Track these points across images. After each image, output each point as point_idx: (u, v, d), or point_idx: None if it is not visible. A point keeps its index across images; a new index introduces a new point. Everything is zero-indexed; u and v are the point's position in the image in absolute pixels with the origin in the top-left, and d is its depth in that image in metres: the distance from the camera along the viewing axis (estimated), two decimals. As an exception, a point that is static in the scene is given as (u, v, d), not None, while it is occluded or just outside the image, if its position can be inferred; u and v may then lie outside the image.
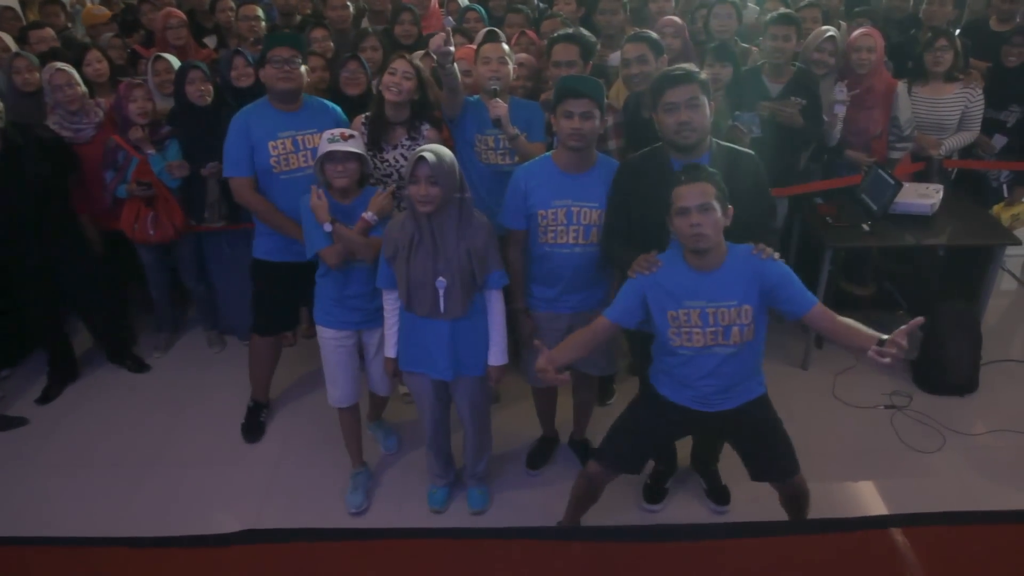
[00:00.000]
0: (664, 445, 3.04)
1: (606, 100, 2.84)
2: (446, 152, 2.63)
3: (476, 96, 3.25)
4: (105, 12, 5.41)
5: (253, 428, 3.72)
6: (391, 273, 2.76)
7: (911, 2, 4.74)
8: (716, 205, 2.33)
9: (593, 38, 3.42)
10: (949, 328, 3.81)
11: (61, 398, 4.01)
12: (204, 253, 4.16)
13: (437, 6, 4.71)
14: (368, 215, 2.85)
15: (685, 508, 3.23)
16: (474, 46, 3.54)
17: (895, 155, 4.18)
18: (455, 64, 3.01)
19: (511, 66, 3.23)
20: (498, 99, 3.06)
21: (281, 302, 3.57)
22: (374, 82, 3.64)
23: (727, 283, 2.40)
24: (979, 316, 3.90)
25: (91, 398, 4.01)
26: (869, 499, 3.23)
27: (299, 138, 3.24)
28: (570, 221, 2.78)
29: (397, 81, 3.18)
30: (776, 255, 2.43)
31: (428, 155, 2.54)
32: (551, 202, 2.78)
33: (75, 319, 4.41)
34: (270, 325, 3.62)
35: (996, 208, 4.57)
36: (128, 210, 3.83)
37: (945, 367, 3.80)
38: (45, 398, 3.99)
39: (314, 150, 3.11)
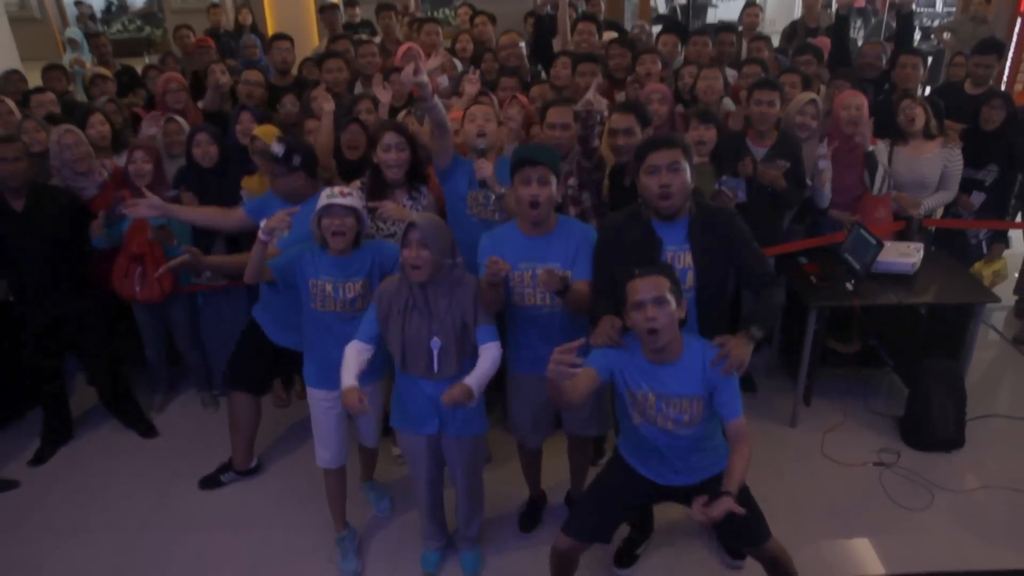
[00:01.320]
0: (633, 512, 3.06)
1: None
2: (438, 220, 2.74)
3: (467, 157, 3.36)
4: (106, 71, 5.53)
5: (211, 481, 3.76)
6: (375, 332, 2.78)
7: (883, 61, 4.91)
8: (671, 298, 2.41)
9: None
10: (933, 385, 3.87)
11: (54, 460, 4.01)
12: (200, 314, 4.21)
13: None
14: (262, 228, 2.90)
15: (665, 572, 3.23)
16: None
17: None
18: (435, 97, 3.12)
19: (495, 124, 3.35)
20: (484, 159, 3.16)
21: (261, 361, 3.58)
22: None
23: (682, 378, 2.49)
24: (963, 372, 3.95)
25: (84, 460, 4.01)
26: (860, 557, 3.26)
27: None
28: (536, 284, 2.83)
29: (394, 157, 3.30)
30: (739, 363, 2.46)
31: (419, 220, 2.65)
32: (517, 265, 2.84)
33: (71, 378, 4.43)
34: (241, 378, 3.60)
35: (977, 265, 4.68)
36: (118, 267, 3.89)
37: (931, 424, 3.84)
38: (38, 459, 3.98)
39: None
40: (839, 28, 5.04)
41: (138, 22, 15.78)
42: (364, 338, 2.80)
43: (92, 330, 3.95)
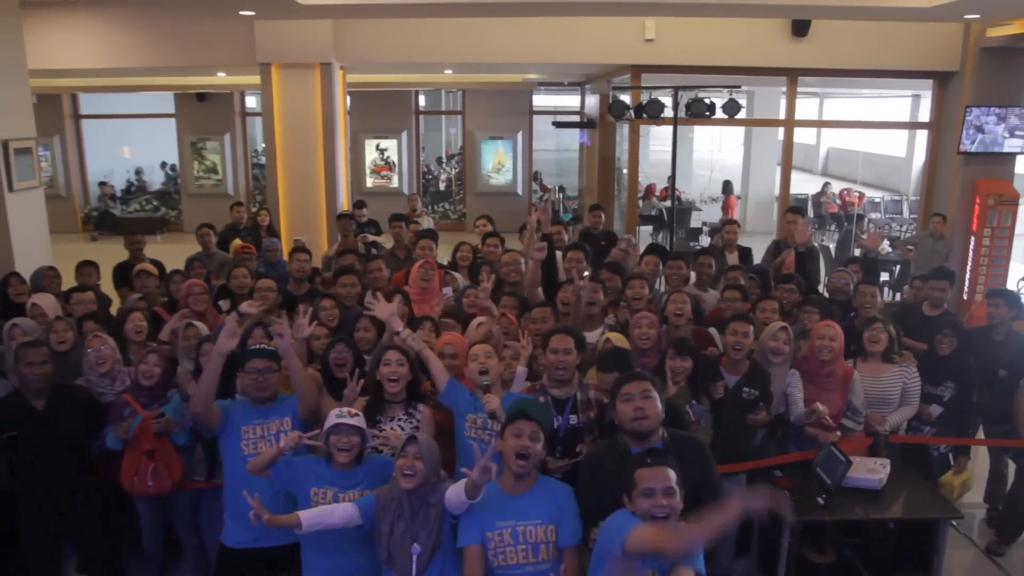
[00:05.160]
0: None
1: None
2: (434, 442, 3.11)
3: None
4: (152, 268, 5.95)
5: None
6: (369, 515, 3.05)
7: (851, 288, 5.41)
8: (677, 490, 2.64)
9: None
10: (907, 601, 4.04)
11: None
12: (200, 507, 4.34)
13: (439, 287, 5.23)
14: (283, 443, 3.24)
15: None
16: (464, 337, 4.04)
17: (848, 424, 4.61)
18: (408, 340, 3.70)
19: (496, 360, 3.70)
20: (491, 394, 3.48)
21: None
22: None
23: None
24: (934, 588, 4.13)
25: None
26: None
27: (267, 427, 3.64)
28: (517, 541, 2.94)
29: (393, 370, 3.62)
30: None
31: (419, 436, 3.03)
32: (495, 524, 2.95)
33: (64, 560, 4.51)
34: None
35: (947, 476, 4.95)
36: (128, 463, 4.01)
37: (906, 640, 3.97)
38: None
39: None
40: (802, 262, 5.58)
41: (154, 203, 16.71)
42: (360, 506, 3.07)
43: (89, 518, 4.09)
